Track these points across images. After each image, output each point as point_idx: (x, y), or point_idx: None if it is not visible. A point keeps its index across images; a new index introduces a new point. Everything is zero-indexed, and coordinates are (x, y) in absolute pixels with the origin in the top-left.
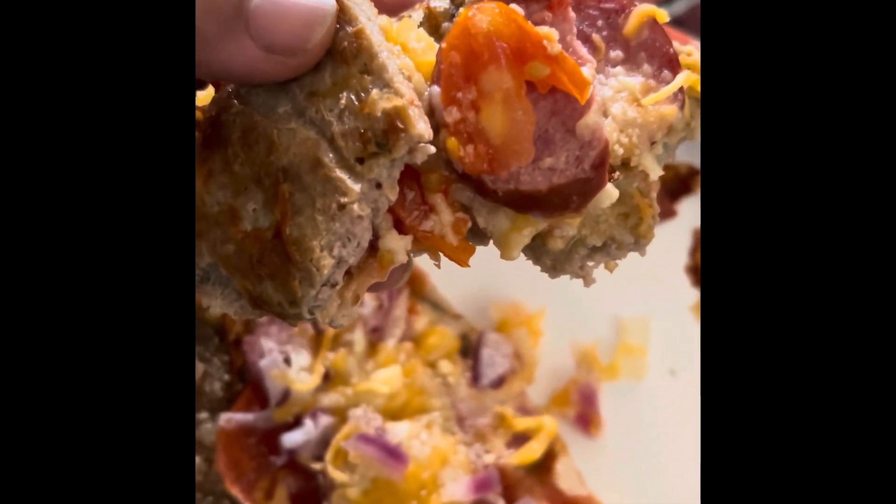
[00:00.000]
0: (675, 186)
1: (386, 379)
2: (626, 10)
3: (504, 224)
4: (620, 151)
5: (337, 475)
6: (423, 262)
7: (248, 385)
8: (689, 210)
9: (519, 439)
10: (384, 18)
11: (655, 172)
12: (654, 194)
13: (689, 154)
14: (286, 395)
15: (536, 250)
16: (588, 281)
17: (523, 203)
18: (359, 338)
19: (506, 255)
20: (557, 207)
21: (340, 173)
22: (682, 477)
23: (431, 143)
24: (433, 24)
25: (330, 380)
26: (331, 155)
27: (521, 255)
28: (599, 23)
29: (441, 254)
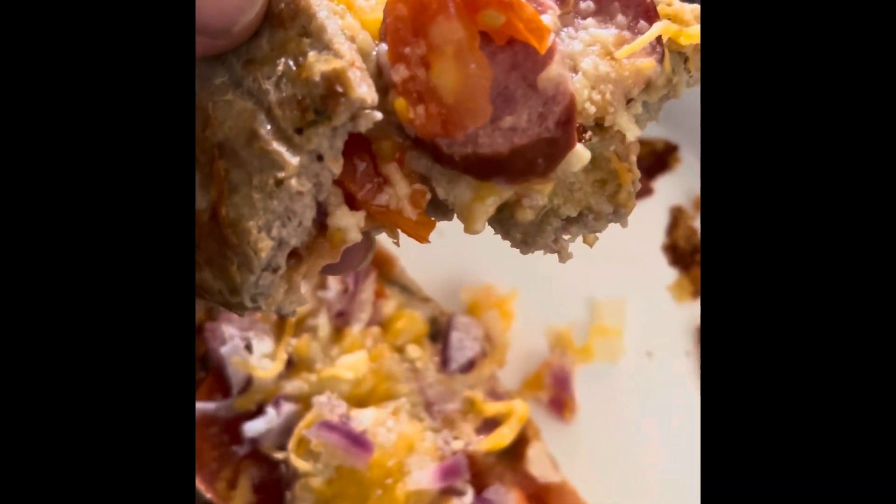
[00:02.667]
0: (651, 163)
1: (351, 365)
2: None
3: (466, 194)
4: (592, 110)
5: (300, 464)
6: (391, 243)
7: (209, 373)
8: (666, 187)
9: (489, 425)
10: None
11: (633, 132)
12: (633, 158)
13: (667, 130)
14: (248, 383)
15: (504, 223)
16: (564, 256)
17: (484, 168)
18: (323, 323)
19: (469, 228)
20: (522, 172)
21: (277, 146)
22: (658, 461)
23: (380, 106)
24: None
25: (293, 366)
26: (268, 126)
27: (490, 229)
28: None
29: (399, 230)
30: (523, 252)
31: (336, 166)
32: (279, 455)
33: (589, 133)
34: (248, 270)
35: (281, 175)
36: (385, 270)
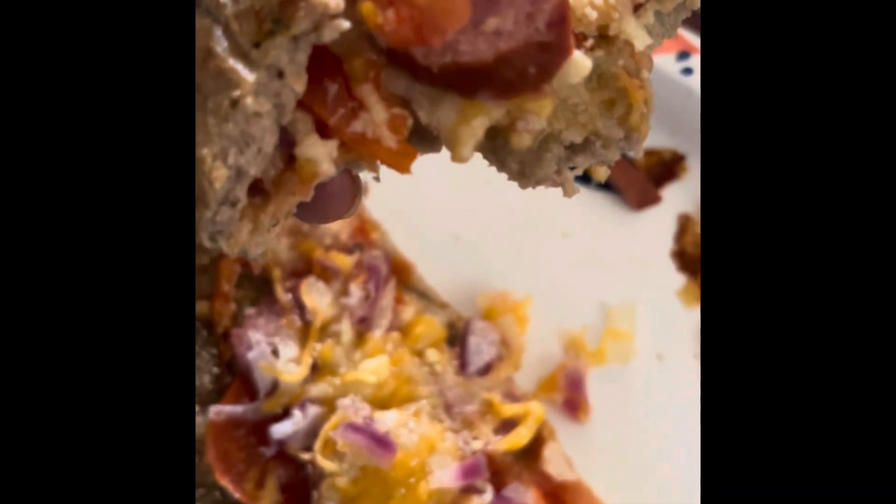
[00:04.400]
0: (659, 172)
1: (373, 369)
2: None
3: (450, 116)
4: (594, 16)
5: (326, 464)
6: (409, 250)
7: (236, 377)
8: (675, 195)
9: (507, 425)
10: None
11: (642, 40)
12: (646, 74)
13: (674, 140)
14: (274, 387)
15: (498, 151)
16: (568, 189)
17: (467, 81)
18: (346, 328)
19: (456, 155)
20: (511, 84)
21: (233, 63)
22: (669, 459)
23: (347, 15)
24: None
25: (318, 370)
26: (224, 44)
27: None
28: None
29: (378, 162)
30: (522, 186)
31: (299, 84)
32: (305, 456)
33: (590, 41)
34: (204, 205)
35: (236, 94)
36: (403, 277)
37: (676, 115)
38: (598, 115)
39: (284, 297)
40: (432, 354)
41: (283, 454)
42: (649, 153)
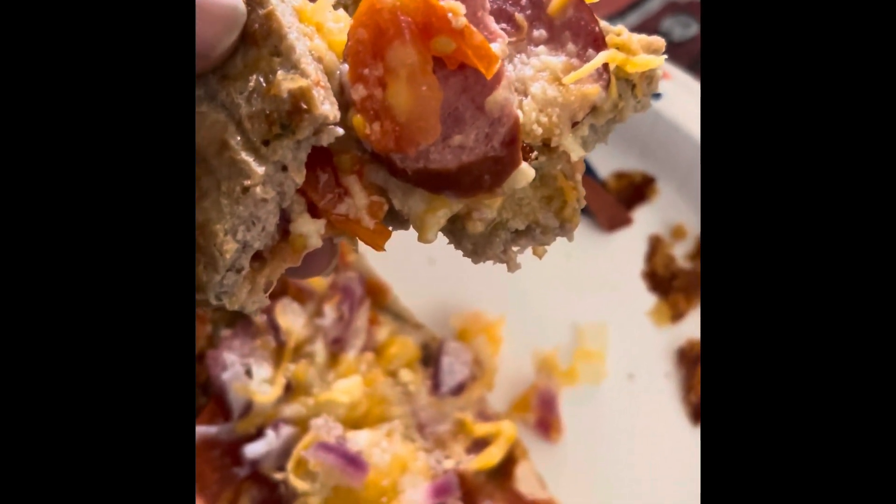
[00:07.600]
0: (630, 194)
1: (347, 389)
2: None
3: (419, 206)
4: (539, 132)
5: (298, 484)
6: (385, 272)
7: (211, 398)
8: (645, 217)
9: (479, 445)
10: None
11: (577, 153)
12: (578, 177)
13: (644, 163)
14: (248, 408)
15: (457, 233)
16: (512, 266)
17: (434, 182)
18: (320, 349)
19: (422, 237)
20: (470, 187)
21: (245, 156)
22: (640, 478)
23: (341, 122)
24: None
25: (291, 391)
26: (238, 137)
27: (459, 249)
28: (523, 1)
29: (357, 238)
30: (474, 261)
31: (299, 176)
32: (278, 476)
33: (535, 153)
34: (214, 270)
35: (248, 183)
36: (378, 299)
37: (646, 138)
38: (538, 208)
39: (259, 318)
40: (406, 375)
41: (257, 475)
42: (620, 176)
